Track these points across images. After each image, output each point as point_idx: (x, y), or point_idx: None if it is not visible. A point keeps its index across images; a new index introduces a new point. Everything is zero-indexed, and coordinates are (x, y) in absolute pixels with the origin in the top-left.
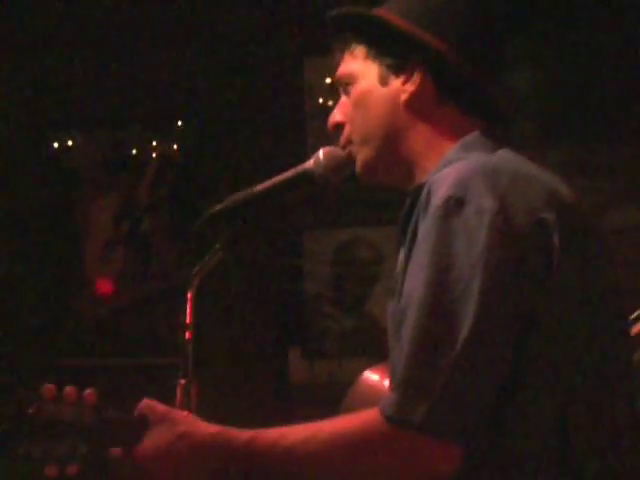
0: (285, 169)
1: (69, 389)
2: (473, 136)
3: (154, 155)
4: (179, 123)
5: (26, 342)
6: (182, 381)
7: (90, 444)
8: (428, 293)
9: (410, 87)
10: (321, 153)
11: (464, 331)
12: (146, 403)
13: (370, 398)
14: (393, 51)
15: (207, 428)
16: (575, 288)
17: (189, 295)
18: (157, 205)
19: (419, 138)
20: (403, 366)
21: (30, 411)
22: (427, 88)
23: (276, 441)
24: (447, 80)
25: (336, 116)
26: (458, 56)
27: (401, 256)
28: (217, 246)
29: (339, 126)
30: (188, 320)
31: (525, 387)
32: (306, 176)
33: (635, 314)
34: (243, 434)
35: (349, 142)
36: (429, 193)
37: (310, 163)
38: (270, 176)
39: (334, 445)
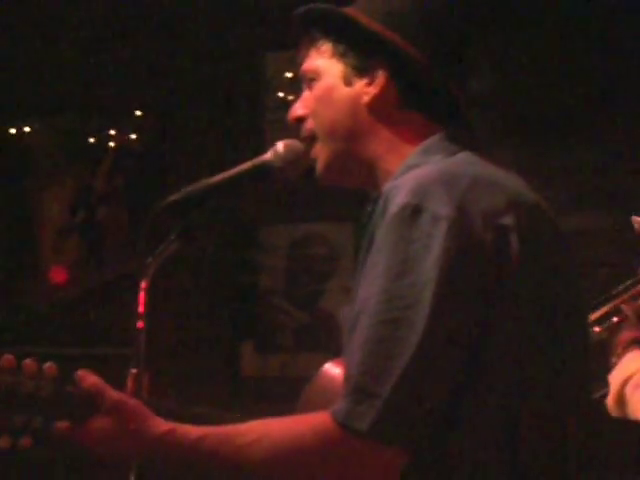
0: (243, 162)
1: (28, 361)
2: (434, 139)
3: (112, 144)
4: (138, 113)
5: None
6: (134, 370)
7: (46, 417)
8: (381, 299)
9: (373, 89)
10: (280, 145)
11: (414, 338)
12: (100, 384)
13: (331, 390)
14: (358, 51)
15: (156, 427)
16: (533, 294)
17: (143, 285)
18: (113, 194)
19: (380, 140)
20: (354, 372)
21: None
22: (390, 91)
23: (225, 441)
24: (411, 84)
25: (298, 110)
26: (423, 59)
27: (359, 262)
28: (172, 236)
29: (300, 120)
30: (141, 309)
31: (476, 394)
32: (264, 168)
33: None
34: (191, 433)
35: (310, 136)
36: (386, 200)
37: (268, 155)
38: (227, 169)
39: (284, 447)
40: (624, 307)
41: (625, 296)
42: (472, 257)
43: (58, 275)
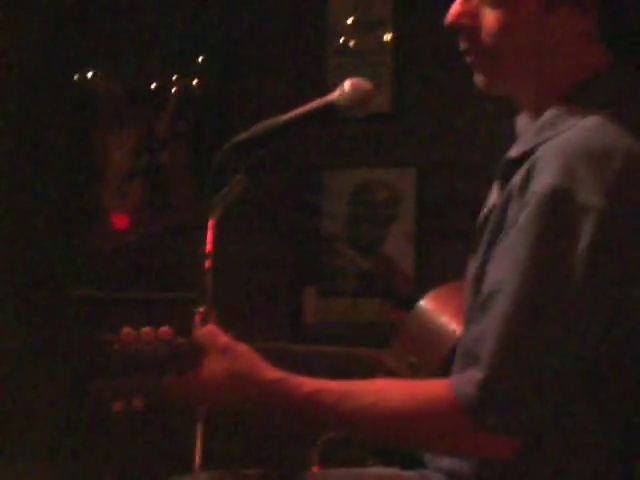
0: (305, 105)
1: (146, 329)
2: (599, 78)
3: (174, 89)
4: (200, 58)
5: (42, 274)
6: (201, 309)
7: (160, 374)
8: (522, 288)
9: (578, 21)
10: (347, 84)
11: (553, 336)
12: (210, 330)
13: (428, 327)
14: None
15: (267, 372)
16: None
17: (210, 223)
18: (176, 139)
19: (565, 71)
20: (488, 360)
21: (109, 354)
22: (591, 25)
23: (343, 398)
24: (612, 20)
25: (464, 18)
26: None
27: (487, 210)
28: (239, 175)
29: (460, 27)
30: (209, 248)
31: (596, 392)
32: (330, 107)
33: None
34: (305, 385)
35: (482, 52)
36: (531, 171)
37: (335, 94)
38: (290, 112)
39: (400, 415)
40: None
41: None
42: (620, 255)
43: (120, 221)
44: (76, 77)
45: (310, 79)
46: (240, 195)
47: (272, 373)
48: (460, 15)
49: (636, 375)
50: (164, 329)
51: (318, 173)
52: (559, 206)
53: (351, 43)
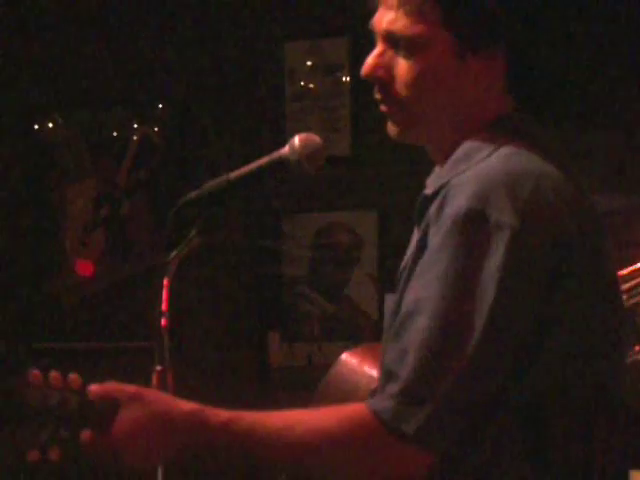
0: (264, 152)
1: (54, 374)
2: (501, 120)
3: (135, 138)
4: (160, 106)
5: (4, 326)
6: (158, 368)
7: (72, 428)
8: (438, 305)
9: (488, 70)
10: (297, 139)
11: (469, 350)
12: (113, 385)
13: (348, 380)
14: (478, 27)
15: (182, 406)
16: (584, 303)
17: (165, 282)
18: (136, 188)
19: (469, 116)
20: (405, 373)
21: (17, 398)
22: (501, 74)
23: (257, 425)
24: (520, 69)
25: (379, 70)
26: (534, 40)
27: (409, 252)
28: (193, 232)
29: (376, 80)
30: (164, 307)
31: (518, 409)
32: (281, 163)
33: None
34: (220, 415)
35: (395, 103)
36: (446, 198)
37: (285, 150)
38: (250, 159)
39: (318, 435)
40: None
41: None
42: (533, 269)
43: (85, 268)
44: (36, 127)
45: (269, 124)
46: (194, 250)
47: (186, 406)
48: (375, 67)
49: (555, 386)
50: (73, 376)
51: (278, 218)
52: (472, 225)
53: (310, 86)
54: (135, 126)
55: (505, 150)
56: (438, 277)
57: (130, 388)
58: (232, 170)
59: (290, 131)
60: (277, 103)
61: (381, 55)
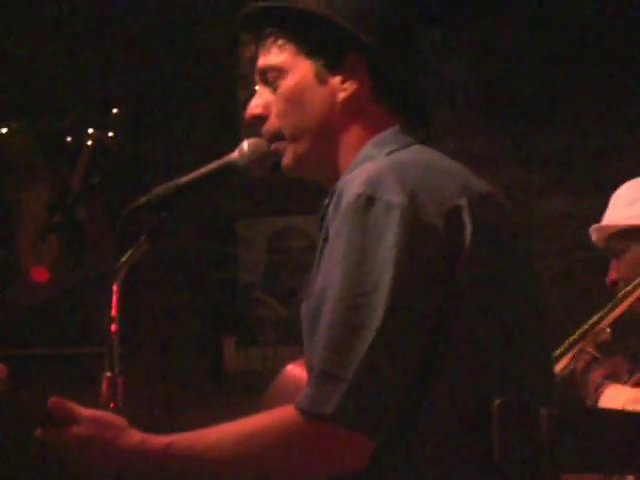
0: (218, 157)
1: None
2: (390, 131)
3: (89, 143)
4: (114, 110)
5: None
6: (108, 374)
7: None
8: (340, 287)
9: (350, 87)
10: (245, 145)
11: (375, 324)
12: (59, 401)
13: (292, 392)
14: (329, 49)
15: (131, 437)
16: (488, 277)
17: (115, 288)
18: (90, 193)
19: (352, 137)
20: (317, 359)
21: None
22: (365, 87)
23: (193, 444)
24: (384, 79)
25: (256, 109)
26: (392, 53)
27: (317, 255)
28: (142, 238)
29: (258, 118)
30: (114, 313)
31: (440, 379)
32: (230, 168)
33: (559, 350)
34: (160, 441)
35: (275, 137)
36: (340, 192)
37: (234, 155)
38: (205, 165)
39: (247, 440)
40: (587, 348)
41: (585, 340)
42: (426, 243)
43: (39, 274)
44: None
45: (224, 128)
46: (144, 256)
47: (135, 436)
48: (254, 108)
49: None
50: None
51: (232, 222)
52: (364, 209)
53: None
54: (89, 131)
55: (395, 153)
56: (337, 263)
57: (90, 411)
58: (188, 174)
59: (245, 136)
60: (231, 108)
61: (258, 96)
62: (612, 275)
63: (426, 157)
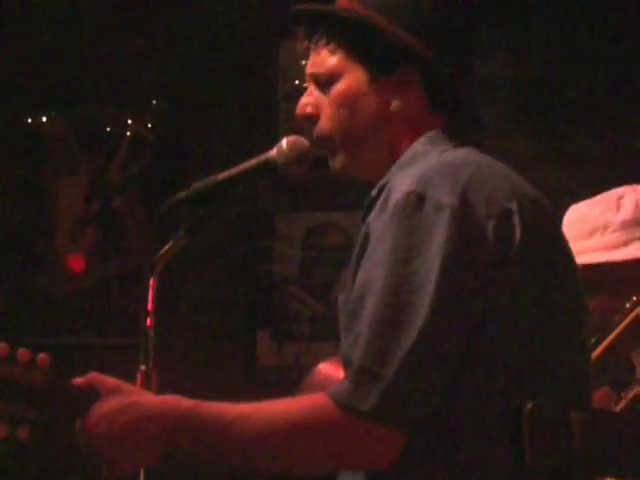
0: (257, 152)
1: (23, 351)
2: (441, 131)
3: (128, 134)
4: (153, 102)
5: None
6: (143, 367)
7: (41, 408)
8: (386, 284)
9: (403, 97)
10: (284, 142)
11: (418, 323)
12: (95, 375)
13: (324, 390)
14: (381, 57)
15: (155, 396)
16: (534, 283)
17: (151, 281)
18: (128, 184)
19: (403, 144)
20: (358, 354)
21: None
22: (419, 97)
23: (221, 412)
24: (437, 90)
25: (308, 107)
26: (445, 63)
27: (356, 248)
28: (180, 232)
29: (309, 118)
30: (149, 307)
31: (477, 382)
32: (268, 165)
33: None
34: (184, 402)
35: (326, 139)
36: (390, 189)
37: (273, 152)
38: (242, 158)
39: (280, 421)
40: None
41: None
42: (474, 245)
43: (76, 263)
44: (29, 121)
45: (262, 123)
46: (181, 250)
47: (158, 397)
48: (304, 106)
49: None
50: (42, 355)
51: (270, 216)
52: (413, 207)
53: (305, 85)
54: (129, 122)
55: (443, 149)
56: (383, 259)
57: (110, 380)
58: (225, 168)
59: (283, 131)
60: (270, 102)
61: (309, 95)
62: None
63: (478, 159)
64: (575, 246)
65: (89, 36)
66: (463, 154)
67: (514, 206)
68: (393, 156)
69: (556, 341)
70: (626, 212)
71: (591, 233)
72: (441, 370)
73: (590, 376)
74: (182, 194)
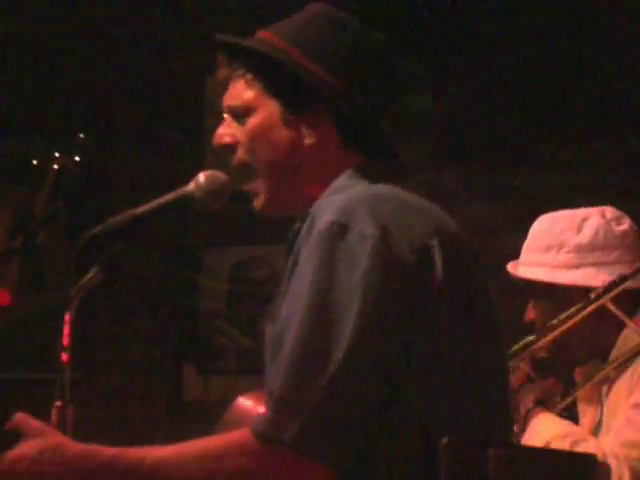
0: (182, 184)
1: None
2: (362, 167)
3: (54, 167)
4: (80, 135)
5: None
6: (58, 403)
7: None
8: (307, 314)
9: (315, 133)
10: (202, 177)
11: (339, 354)
12: (21, 416)
13: (243, 424)
14: (293, 92)
15: (75, 446)
16: (453, 316)
17: (67, 317)
18: (54, 218)
19: (319, 177)
20: (279, 385)
21: None
22: (332, 134)
23: (142, 458)
24: (351, 128)
25: (225, 137)
26: (361, 101)
27: (285, 279)
28: (96, 268)
29: (227, 147)
30: (65, 342)
31: (398, 415)
32: (186, 200)
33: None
34: (107, 451)
35: (245, 166)
36: (313, 219)
37: (191, 186)
38: (169, 190)
39: (203, 461)
40: (522, 365)
41: (522, 355)
42: (396, 276)
43: (1, 298)
44: None
45: (190, 156)
46: (98, 285)
47: (78, 446)
48: (222, 136)
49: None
50: None
51: (197, 251)
52: (336, 237)
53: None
54: (55, 155)
55: (366, 184)
56: (305, 289)
57: (36, 423)
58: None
59: (209, 164)
60: (198, 134)
61: (227, 126)
62: (529, 315)
63: (400, 193)
64: (531, 257)
65: (15, 68)
66: (385, 189)
67: (435, 242)
68: (309, 191)
69: (475, 376)
70: (584, 235)
71: (548, 249)
72: (362, 402)
73: (510, 409)
74: (99, 229)
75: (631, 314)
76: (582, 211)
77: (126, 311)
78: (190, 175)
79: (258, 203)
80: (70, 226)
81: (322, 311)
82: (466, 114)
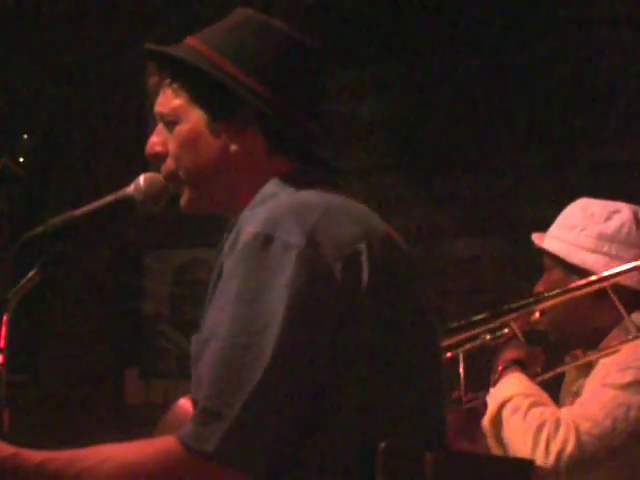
0: (126, 183)
1: None
2: (290, 173)
3: None
4: (24, 136)
5: None
6: None
7: None
8: (231, 325)
9: (241, 141)
10: (141, 179)
11: (262, 363)
12: None
13: (183, 425)
14: (217, 101)
15: (8, 448)
16: (381, 321)
17: (4, 318)
18: None
19: (247, 182)
20: (202, 396)
21: None
22: (258, 141)
23: (68, 464)
24: (277, 132)
25: (156, 146)
26: (287, 107)
27: (210, 289)
28: (34, 269)
29: (158, 155)
30: (1, 344)
31: (327, 422)
32: (126, 202)
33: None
34: (36, 456)
35: (173, 176)
36: (238, 230)
37: (131, 188)
38: (113, 190)
39: (126, 469)
40: (513, 324)
41: (515, 314)
42: (321, 285)
43: None
44: None
45: (134, 157)
46: (36, 286)
47: (6, 450)
48: (153, 145)
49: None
50: None
51: (139, 254)
52: (261, 248)
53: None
54: None
55: (299, 192)
56: (229, 301)
57: None
58: (79, 207)
59: (153, 167)
60: (142, 134)
61: (158, 134)
62: (539, 287)
63: (328, 199)
64: (556, 232)
65: None
66: (313, 196)
67: (363, 247)
68: (236, 197)
69: (409, 380)
70: (609, 225)
71: (572, 227)
72: (286, 412)
73: (445, 413)
74: (38, 230)
75: (630, 311)
76: (617, 204)
77: (69, 314)
78: (134, 177)
79: (183, 203)
80: (12, 228)
81: (246, 322)
82: (410, 120)
